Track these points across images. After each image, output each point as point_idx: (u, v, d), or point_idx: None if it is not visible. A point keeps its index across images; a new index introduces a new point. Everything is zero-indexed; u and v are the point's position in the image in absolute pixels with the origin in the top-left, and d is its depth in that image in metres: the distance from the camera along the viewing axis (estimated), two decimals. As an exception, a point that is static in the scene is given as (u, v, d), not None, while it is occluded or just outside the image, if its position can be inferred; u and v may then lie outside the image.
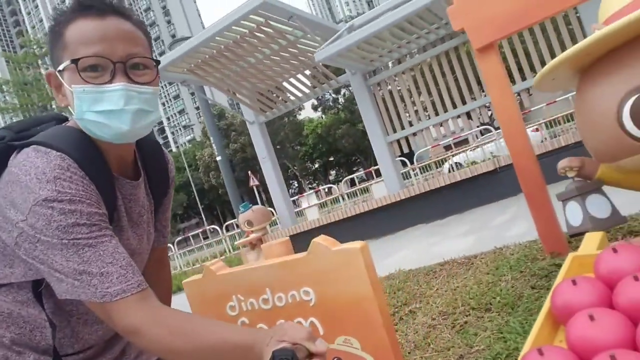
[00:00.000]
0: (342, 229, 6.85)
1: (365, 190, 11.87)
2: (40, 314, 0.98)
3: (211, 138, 14.80)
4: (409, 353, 2.13)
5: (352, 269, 1.25)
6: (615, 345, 0.90)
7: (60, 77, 0.97)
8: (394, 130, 6.96)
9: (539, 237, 2.61)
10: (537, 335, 1.10)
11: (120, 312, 0.86)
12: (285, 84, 7.63)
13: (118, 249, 0.90)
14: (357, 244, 1.26)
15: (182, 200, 50.46)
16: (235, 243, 8.71)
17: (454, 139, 12.07)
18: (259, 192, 17.47)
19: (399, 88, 6.98)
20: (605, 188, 1.94)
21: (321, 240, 1.30)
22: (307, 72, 7.45)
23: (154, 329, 0.85)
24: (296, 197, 18.21)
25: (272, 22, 5.90)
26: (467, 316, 2.30)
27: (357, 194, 15.14)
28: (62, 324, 1.01)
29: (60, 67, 0.95)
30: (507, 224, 4.07)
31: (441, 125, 6.73)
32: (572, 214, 1.86)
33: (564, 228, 2.19)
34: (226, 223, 14.39)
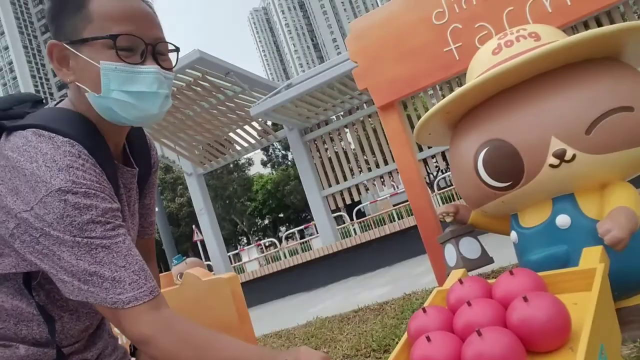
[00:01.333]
0: (279, 282, 6.85)
1: (307, 245, 11.97)
2: (28, 307, 0.91)
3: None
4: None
5: (220, 298, 1.34)
6: (444, 360, 1.01)
7: (72, 49, 0.89)
8: (329, 185, 7.20)
9: (436, 280, 2.77)
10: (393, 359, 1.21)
11: (131, 320, 0.82)
12: (224, 137, 7.79)
13: (131, 250, 0.85)
14: (226, 275, 1.35)
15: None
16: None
17: (391, 195, 12.49)
18: (203, 247, 17.08)
19: (335, 148, 7.28)
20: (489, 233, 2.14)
21: (193, 271, 1.39)
22: (247, 127, 7.66)
23: (165, 338, 0.82)
24: (237, 250, 17.90)
25: (209, 77, 6.12)
26: (367, 357, 2.38)
27: (297, 251, 15.05)
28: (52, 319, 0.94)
29: (79, 38, 0.88)
30: (423, 274, 4.25)
31: (374, 181, 7.04)
32: (449, 255, 2.03)
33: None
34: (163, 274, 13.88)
